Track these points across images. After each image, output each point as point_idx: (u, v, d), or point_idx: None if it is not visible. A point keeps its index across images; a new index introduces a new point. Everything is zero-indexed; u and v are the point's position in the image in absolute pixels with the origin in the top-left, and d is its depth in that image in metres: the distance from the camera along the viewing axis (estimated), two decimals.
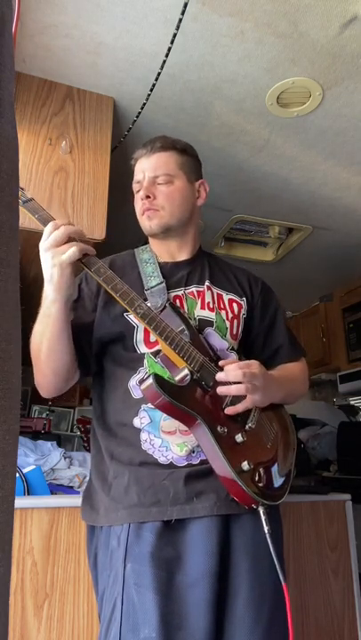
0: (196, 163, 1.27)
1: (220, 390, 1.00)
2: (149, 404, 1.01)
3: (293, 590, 1.47)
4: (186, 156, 1.23)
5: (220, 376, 1.01)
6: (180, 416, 0.96)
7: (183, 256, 1.24)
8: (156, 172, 1.18)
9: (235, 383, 1.01)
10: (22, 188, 1.09)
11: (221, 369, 1.05)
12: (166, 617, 0.87)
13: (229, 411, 1.00)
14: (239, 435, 0.99)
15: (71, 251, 0.97)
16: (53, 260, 0.97)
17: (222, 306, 1.19)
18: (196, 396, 0.98)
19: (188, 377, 0.99)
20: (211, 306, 1.17)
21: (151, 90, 1.67)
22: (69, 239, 0.99)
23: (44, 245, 0.99)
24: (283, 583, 0.91)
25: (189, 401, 0.96)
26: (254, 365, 1.04)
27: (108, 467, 1.06)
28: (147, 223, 1.19)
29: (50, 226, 1.00)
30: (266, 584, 0.96)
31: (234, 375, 1.00)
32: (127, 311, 1.08)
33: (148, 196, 1.17)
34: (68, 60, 1.58)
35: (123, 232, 1.95)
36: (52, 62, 1.59)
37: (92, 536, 1.08)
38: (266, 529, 0.93)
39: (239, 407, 1.01)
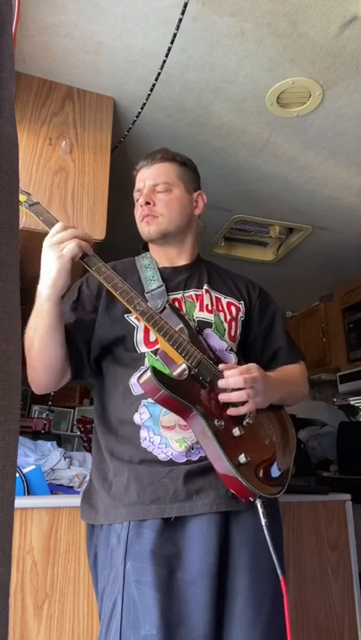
0: (195, 175, 1.31)
1: (222, 398, 1.02)
2: (149, 400, 1.03)
3: (293, 590, 1.47)
4: (185, 168, 1.27)
5: (221, 383, 1.02)
6: (178, 409, 0.98)
7: (182, 261, 1.26)
8: (155, 180, 1.22)
9: (235, 389, 1.02)
10: (29, 193, 1.13)
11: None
12: (167, 614, 0.87)
13: (231, 412, 1.02)
14: (236, 429, 1.00)
15: (70, 245, 1.01)
16: (56, 254, 1.01)
17: (220, 308, 1.21)
18: (193, 390, 1.00)
19: (186, 372, 1.01)
20: (209, 308, 1.19)
21: (151, 90, 1.67)
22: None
23: (48, 242, 1.03)
24: (280, 576, 0.91)
25: (187, 394, 0.98)
26: (254, 369, 1.05)
27: (109, 465, 1.07)
28: (145, 229, 1.22)
29: (58, 226, 1.04)
30: (266, 581, 0.96)
31: (235, 382, 1.01)
32: (127, 312, 1.11)
33: (147, 203, 1.20)
34: (68, 60, 1.58)
35: (123, 232, 1.95)
36: (52, 62, 1.59)
37: (92, 535, 1.08)
38: (263, 522, 0.93)
39: (241, 410, 1.02)
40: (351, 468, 3.02)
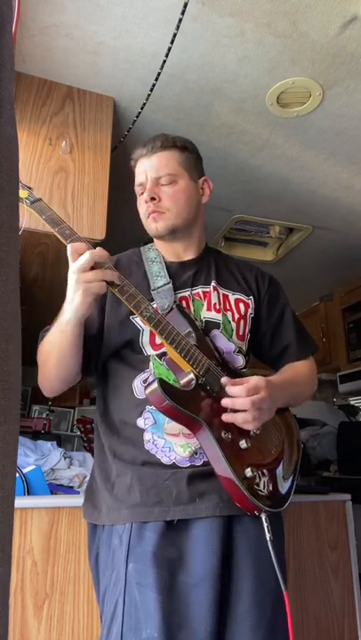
0: (198, 159, 1.25)
1: (226, 418, 0.98)
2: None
3: (293, 590, 1.47)
4: (187, 153, 1.20)
5: (226, 402, 0.98)
6: (184, 421, 0.96)
7: (189, 255, 1.22)
8: (158, 172, 1.15)
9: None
10: (30, 188, 1.07)
11: (227, 372, 1.04)
12: (168, 617, 0.87)
13: (237, 424, 0.99)
14: (243, 441, 0.98)
15: (99, 286, 0.96)
16: (78, 285, 0.96)
17: (228, 307, 1.17)
18: (200, 400, 0.97)
19: (194, 381, 0.98)
20: (217, 307, 1.15)
21: (151, 90, 1.67)
22: (95, 265, 0.98)
23: (71, 269, 0.98)
24: (284, 592, 0.90)
25: (194, 406, 0.95)
26: (261, 387, 0.99)
27: (111, 465, 1.06)
28: (153, 226, 1.17)
29: (83, 261, 0.98)
30: (268, 586, 0.95)
31: (241, 404, 0.97)
32: (133, 313, 1.07)
33: (152, 198, 1.14)
34: (68, 60, 1.58)
35: (123, 232, 1.95)
36: (52, 62, 1.59)
37: (94, 535, 1.08)
38: (268, 537, 0.92)
39: (247, 427, 0.99)
40: (351, 468, 3.01)
